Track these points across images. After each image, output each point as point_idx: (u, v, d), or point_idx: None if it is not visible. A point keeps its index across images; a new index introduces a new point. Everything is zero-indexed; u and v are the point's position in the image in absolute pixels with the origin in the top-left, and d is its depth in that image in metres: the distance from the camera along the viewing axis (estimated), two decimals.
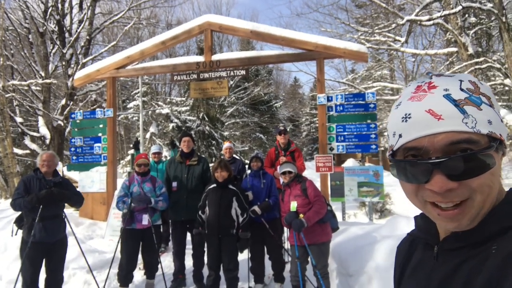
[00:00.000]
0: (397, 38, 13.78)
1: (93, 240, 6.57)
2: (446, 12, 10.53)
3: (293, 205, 4.08)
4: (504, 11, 10.12)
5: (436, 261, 0.76)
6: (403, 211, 9.83)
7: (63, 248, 4.32)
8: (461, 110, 0.67)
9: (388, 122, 0.80)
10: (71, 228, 4.49)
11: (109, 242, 6.32)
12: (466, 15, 12.97)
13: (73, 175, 11.00)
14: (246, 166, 6.04)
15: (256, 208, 4.68)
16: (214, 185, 4.53)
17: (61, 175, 4.60)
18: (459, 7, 10.20)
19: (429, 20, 11.09)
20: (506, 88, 12.61)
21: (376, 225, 5.54)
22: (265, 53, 7.88)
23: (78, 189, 7.31)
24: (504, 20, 9.74)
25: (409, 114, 0.71)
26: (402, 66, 20.89)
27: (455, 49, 12.12)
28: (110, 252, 5.79)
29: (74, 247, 4.79)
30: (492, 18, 12.29)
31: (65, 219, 4.38)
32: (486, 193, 0.68)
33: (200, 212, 4.54)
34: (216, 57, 7.87)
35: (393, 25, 12.76)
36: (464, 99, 0.68)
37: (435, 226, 0.78)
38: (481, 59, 11.01)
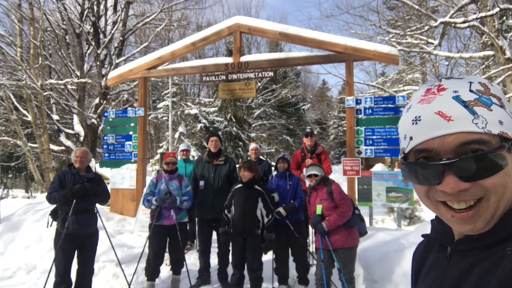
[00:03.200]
0: (430, 40, 13.42)
1: (123, 235, 6.76)
2: (483, 14, 10.17)
3: (319, 208, 4.06)
4: None
5: (449, 262, 0.76)
6: (433, 217, 9.53)
7: (94, 241, 4.48)
8: (470, 111, 0.67)
9: (399, 126, 0.80)
10: (102, 222, 4.64)
11: (138, 237, 6.48)
12: (504, 18, 12.48)
13: (105, 171, 11.38)
14: (273, 168, 6.06)
15: (281, 209, 4.68)
16: (240, 185, 4.57)
17: (94, 171, 4.78)
18: (496, 9, 9.83)
19: (464, 22, 10.75)
20: None
21: (404, 232, 5.41)
22: (293, 55, 7.86)
23: (109, 185, 7.59)
24: None
25: (419, 117, 0.71)
26: (435, 69, 20.32)
27: (491, 53, 11.68)
28: (138, 247, 5.94)
29: (104, 241, 4.95)
30: None
31: (97, 214, 4.55)
32: (500, 193, 0.67)
33: (226, 211, 4.60)
34: (244, 58, 7.93)
35: (426, 27, 12.44)
36: (473, 100, 0.68)
37: (450, 227, 0.77)
38: None
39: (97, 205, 4.58)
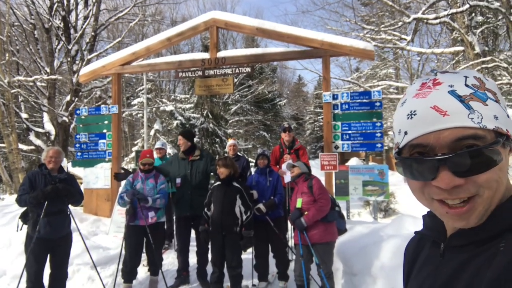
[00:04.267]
0: (403, 36, 13.71)
1: (97, 236, 6.58)
2: (453, 10, 10.45)
3: (299, 202, 4.08)
4: (511, 10, 10.04)
5: (442, 258, 0.75)
6: (408, 210, 9.79)
7: (67, 244, 4.33)
8: (466, 106, 0.66)
9: (393, 120, 0.79)
10: (75, 224, 4.49)
11: (113, 238, 6.33)
12: (473, 14, 12.88)
13: (77, 171, 11.04)
14: (252, 164, 6.03)
15: (261, 206, 4.67)
16: (219, 182, 4.53)
17: (66, 171, 4.61)
18: (466, 6, 10.11)
19: (435, 18, 11.02)
20: None
21: (381, 224, 5.50)
22: (271, 50, 7.83)
23: (82, 185, 7.37)
24: (511, 19, 9.65)
25: (414, 111, 0.70)
26: (408, 64, 20.79)
27: (461, 48, 12.04)
28: (114, 248, 5.80)
29: (78, 243, 4.80)
30: (499, 17, 12.17)
31: (70, 215, 4.40)
32: (494, 189, 0.66)
33: (205, 209, 4.54)
34: (221, 54, 7.84)
35: (399, 23, 12.68)
36: (469, 94, 0.68)
37: (442, 223, 0.76)
38: (488, 58, 10.92)
39: (70, 206, 4.43)
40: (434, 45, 16.82)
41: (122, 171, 5.71)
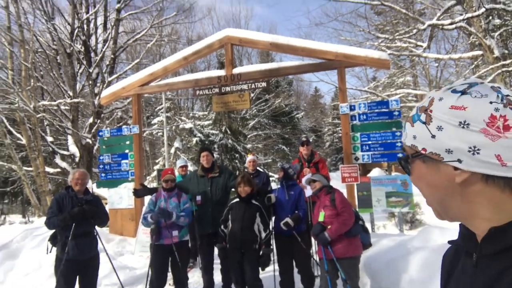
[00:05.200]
0: (419, 43, 13.56)
1: (124, 256, 6.66)
2: (469, 15, 10.30)
3: (321, 216, 4.04)
4: None
5: (476, 269, 0.74)
6: (435, 221, 9.52)
7: (95, 265, 4.41)
8: (404, 126, 0.82)
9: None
10: (102, 245, 4.58)
11: (139, 258, 6.40)
12: (490, 17, 12.66)
13: (102, 192, 11.26)
14: (272, 179, 6.03)
15: (288, 220, 4.62)
16: (237, 199, 4.54)
17: (91, 192, 4.73)
18: (482, 9, 9.97)
19: (451, 24, 10.88)
20: None
21: (407, 237, 5.38)
22: (285, 64, 7.90)
23: (107, 206, 7.51)
24: None
25: None
26: (425, 71, 20.51)
27: (480, 52, 11.81)
28: (140, 268, 5.86)
29: (106, 264, 4.87)
30: None
31: (97, 236, 4.49)
32: (427, 192, 0.79)
33: (222, 227, 4.56)
34: (237, 70, 7.96)
35: (414, 31, 12.58)
36: (411, 116, 0.80)
37: (473, 232, 0.76)
38: (508, 61, 10.68)
39: (97, 227, 4.52)
40: (451, 50, 16.56)
41: (141, 187, 5.80)
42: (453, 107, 0.71)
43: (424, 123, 0.75)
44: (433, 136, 0.73)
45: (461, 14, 11.32)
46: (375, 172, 18.35)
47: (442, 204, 0.77)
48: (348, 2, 12.51)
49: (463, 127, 0.69)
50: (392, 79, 21.89)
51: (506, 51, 12.61)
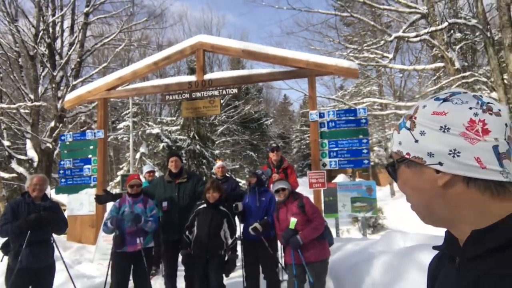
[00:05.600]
0: (385, 54, 14.02)
1: (82, 264, 6.39)
2: (433, 28, 10.76)
3: (293, 222, 4.00)
4: (488, 26, 10.39)
5: (458, 272, 0.75)
6: (396, 225, 9.80)
7: (50, 273, 4.18)
8: (392, 134, 0.85)
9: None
10: (59, 252, 4.36)
11: (98, 266, 6.14)
12: (452, 31, 13.29)
13: (61, 198, 10.81)
14: (241, 184, 5.98)
15: (257, 225, 4.57)
16: (204, 205, 4.47)
17: (50, 198, 4.50)
18: (445, 24, 10.44)
19: (416, 36, 11.32)
20: None
21: (371, 241, 5.48)
22: (257, 72, 7.93)
23: (66, 212, 7.20)
24: (489, 35, 9.98)
25: None
26: (390, 81, 21.22)
27: (442, 64, 12.34)
28: (99, 276, 5.63)
29: (62, 272, 4.65)
30: (477, 34, 12.59)
31: (53, 244, 4.27)
32: (414, 198, 0.80)
33: (187, 232, 4.47)
34: (208, 76, 7.91)
35: (381, 42, 13.00)
36: (398, 125, 0.83)
37: (456, 237, 0.78)
38: (468, 73, 11.22)
39: (54, 234, 4.30)
40: (415, 62, 17.22)
41: (104, 193, 5.60)
42: (434, 112, 0.74)
43: (409, 129, 0.78)
44: (416, 141, 0.76)
45: (425, 28, 11.81)
46: (340, 178, 18.75)
47: (427, 209, 0.78)
48: (319, 13, 12.80)
49: (443, 131, 0.72)
50: (359, 88, 22.50)
51: (466, 64, 13.26)
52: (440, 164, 0.72)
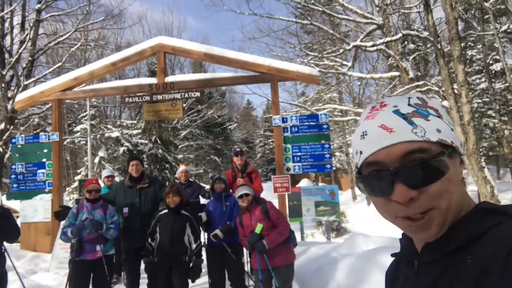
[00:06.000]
0: (344, 62, 14.49)
1: (37, 274, 6.05)
2: (388, 39, 11.26)
3: (259, 228, 3.99)
4: (438, 38, 11.03)
5: (417, 276, 0.77)
6: (358, 228, 10.10)
7: (2, 285, 3.91)
8: (409, 122, 0.71)
9: (351, 143, 0.84)
10: (11, 262, 4.10)
11: (55, 275, 5.83)
12: (406, 42, 13.98)
13: (13, 204, 10.21)
14: (206, 188, 5.92)
15: (218, 232, 4.55)
16: (166, 210, 4.37)
17: (0, 205, 4.23)
18: (399, 35, 10.97)
19: (373, 46, 11.78)
20: (444, 109, 13.58)
21: (335, 244, 5.60)
22: (219, 75, 7.91)
23: (19, 219, 6.79)
24: (439, 47, 10.58)
25: (365, 132, 0.76)
26: (350, 89, 21.93)
27: (397, 73, 12.92)
28: (55, 286, 5.37)
29: (15, 283, 4.40)
30: (429, 45, 13.32)
31: (5, 253, 4.01)
32: (447, 198, 0.70)
33: (149, 240, 4.35)
34: (169, 78, 7.78)
35: (341, 50, 13.42)
36: (411, 112, 0.73)
37: (413, 240, 0.79)
38: (421, 82, 11.83)
39: (5, 243, 4.03)
40: (372, 70, 17.94)
41: (61, 208, 5.26)
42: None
43: (439, 117, 0.74)
44: (453, 130, 0.74)
45: (381, 38, 12.34)
46: (304, 183, 19.07)
47: (456, 205, 0.72)
48: (280, 19, 13.00)
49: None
50: (320, 94, 23.05)
51: (419, 73, 13.99)
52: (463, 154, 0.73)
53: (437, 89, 11.37)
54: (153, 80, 7.85)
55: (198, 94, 7.92)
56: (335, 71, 14.90)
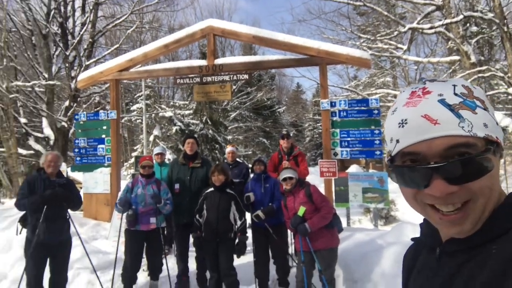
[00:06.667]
0: (399, 45, 13.84)
1: (97, 240, 6.56)
2: (448, 21, 10.58)
3: (301, 210, 4.04)
4: (505, 20, 10.18)
5: (438, 263, 0.76)
6: (408, 218, 9.80)
7: (67, 248, 4.31)
8: (456, 115, 0.68)
9: (385, 128, 0.80)
10: (75, 228, 4.48)
11: (113, 243, 6.26)
12: (468, 24, 13.03)
13: (77, 176, 11.03)
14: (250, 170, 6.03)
15: (259, 212, 4.66)
16: (212, 189, 4.54)
17: (65, 176, 4.61)
18: (461, 16, 10.26)
19: (430, 28, 11.16)
20: (510, 97, 12.64)
21: (381, 231, 5.52)
22: (268, 58, 7.90)
23: (82, 190, 7.36)
24: (506, 29, 9.79)
25: (405, 120, 0.71)
26: (405, 73, 20.96)
27: (457, 58, 12.15)
28: (113, 253, 5.73)
29: (78, 247, 4.78)
30: (494, 28, 12.34)
31: (69, 220, 4.39)
32: (487, 196, 0.68)
33: (197, 216, 4.55)
34: (219, 61, 7.90)
35: (395, 33, 12.82)
36: (458, 103, 0.69)
37: (437, 229, 0.77)
38: (484, 67, 11.04)
39: (69, 211, 4.42)
40: (430, 54, 16.99)
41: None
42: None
43: (485, 109, 0.70)
44: (497, 123, 0.71)
45: (440, 20, 11.61)
46: (353, 169, 18.70)
47: (492, 204, 0.69)
48: (331, 1, 12.62)
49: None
50: (372, 79, 22.28)
51: (482, 58, 13.04)
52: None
53: (502, 75, 10.57)
54: (203, 62, 8.01)
55: (246, 76, 7.98)
56: (389, 54, 14.29)
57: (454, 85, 0.72)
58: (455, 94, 0.70)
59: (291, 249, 5.19)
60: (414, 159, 0.70)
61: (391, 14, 14.75)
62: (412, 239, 0.91)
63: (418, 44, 20.57)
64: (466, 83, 0.73)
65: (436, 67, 17.72)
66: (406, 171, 0.71)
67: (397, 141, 0.73)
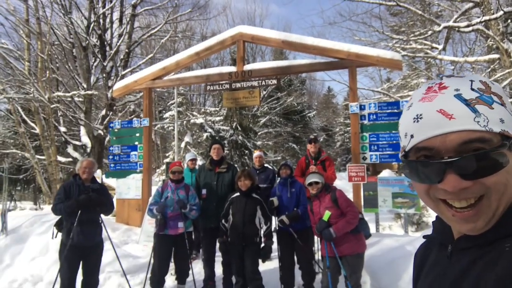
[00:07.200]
0: (434, 45, 13.38)
1: (128, 245, 6.76)
2: (486, 17, 10.12)
3: (326, 215, 4.00)
4: None
5: (450, 260, 0.76)
6: None
7: (99, 251, 4.49)
8: (472, 109, 0.67)
9: (399, 124, 0.79)
10: (107, 232, 4.65)
11: (143, 247, 6.48)
12: (509, 21, 12.42)
13: (111, 182, 11.45)
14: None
15: (284, 217, 4.65)
16: (238, 193, 4.57)
17: (100, 182, 4.80)
18: (500, 12, 9.78)
19: (467, 26, 10.71)
20: None
21: (411, 237, 5.35)
22: (296, 62, 7.88)
23: (115, 196, 7.62)
24: None
25: (420, 115, 0.71)
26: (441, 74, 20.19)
27: (496, 56, 11.58)
28: (143, 257, 5.94)
29: (109, 251, 4.95)
30: None
31: (102, 224, 4.56)
32: (501, 192, 0.66)
33: (223, 221, 4.60)
34: (248, 67, 7.98)
35: (429, 32, 12.42)
36: (475, 98, 0.68)
37: (449, 226, 0.76)
38: None
39: (102, 215, 4.60)
40: (468, 53, 16.33)
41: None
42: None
43: (502, 105, 0.69)
44: None
45: (479, 17, 11.13)
46: (385, 173, 18.18)
47: (506, 201, 0.68)
48: (363, 2, 12.41)
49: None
50: (406, 80, 21.63)
51: None
52: None
53: None
54: (232, 69, 8.12)
55: (275, 81, 8.00)
56: (423, 55, 13.84)
57: (472, 81, 0.71)
58: (472, 89, 0.69)
59: (317, 255, 5.13)
60: (428, 154, 0.70)
61: (426, 13, 14.32)
62: (424, 236, 0.90)
63: (456, 43, 19.74)
64: (484, 78, 0.72)
65: (474, 66, 16.98)
66: (419, 166, 0.70)
67: (412, 136, 0.72)
